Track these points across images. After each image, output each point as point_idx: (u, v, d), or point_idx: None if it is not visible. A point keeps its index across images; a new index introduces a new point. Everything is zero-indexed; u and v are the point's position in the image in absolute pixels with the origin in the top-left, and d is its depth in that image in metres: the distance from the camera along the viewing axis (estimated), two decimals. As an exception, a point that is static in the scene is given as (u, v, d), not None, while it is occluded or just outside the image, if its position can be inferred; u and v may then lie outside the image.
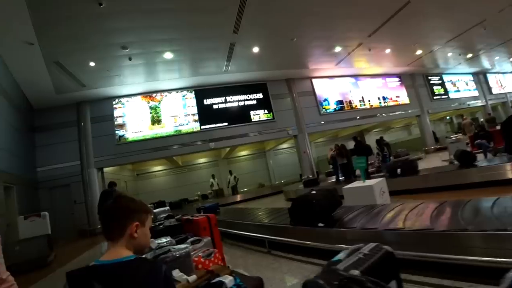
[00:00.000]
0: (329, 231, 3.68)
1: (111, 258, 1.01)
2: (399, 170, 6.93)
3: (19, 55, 8.49)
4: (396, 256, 1.74)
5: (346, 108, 14.96)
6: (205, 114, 12.93)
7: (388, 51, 13.61)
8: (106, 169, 12.59)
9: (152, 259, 1.53)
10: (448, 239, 2.59)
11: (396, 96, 16.21)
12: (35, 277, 5.69)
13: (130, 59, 10.17)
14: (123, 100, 12.60)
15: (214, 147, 12.69)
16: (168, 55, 10.45)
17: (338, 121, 14.62)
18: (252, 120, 13.38)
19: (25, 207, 9.66)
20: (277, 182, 17.40)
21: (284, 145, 17.92)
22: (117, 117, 12.43)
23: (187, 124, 12.68)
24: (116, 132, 12.30)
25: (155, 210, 8.04)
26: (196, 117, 12.81)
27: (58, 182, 11.78)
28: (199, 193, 14.95)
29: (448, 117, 22.20)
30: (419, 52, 14.42)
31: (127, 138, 12.29)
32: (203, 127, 12.78)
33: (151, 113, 12.58)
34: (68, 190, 11.86)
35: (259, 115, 13.52)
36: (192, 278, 2.51)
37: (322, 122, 14.38)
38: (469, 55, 16.20)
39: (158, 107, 12.69)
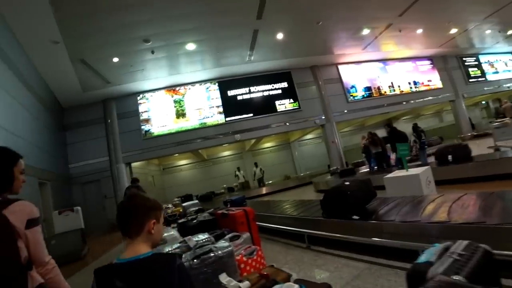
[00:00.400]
0: (366, 224, 3.38)
1: (131, 255, 1.03)
2: (450, 157, 6.18)
3: (47, 55, 8.51)
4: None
5: (374, 95, 14.06)
6: (230, 106, 12.53)
7: (419, 31, 12.55)
8: (133, 164, 12.54)
9: (166, 253, 1.48)
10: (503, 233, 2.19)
11: (428, 80, 15.06)
12: (71, 270, 5.57)
13: (152, 52, 9.90)
14: (147, 95, 12.42)
15: (240, 139, 12.31)
16: (191, 46, 10.08)
17: (367, 108, 13.77)
18: (278, 110, 12.84)
19: (59, 202, 9.77)
20: (302, 174, 16.82)
21: (309, 136, 17.26)
22: (142, 112, 12.29)
23: (211, 116, 12.35)
24: (142, 127, 12.17)
25: (183, 204, 7.74)
26: (221, 109, 12.44)
27: (89, 177, 11.85)
28: (225, 186, 14.69)
29: (483, 102, 20.55)
30: (453, 31, 13.22)
31: (153, 133, 12.13)
32: (228, 119, 12.40)
33: (175, 106, 12.34)
34: (98, 185, 11.92)
35: (284, 104, 12.95)
36: (245, 284, 2.07)
37: (350, 110, 13.59)
38: (510, 32, 14.71)
39: (182, 101, 12.42)
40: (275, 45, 11.17)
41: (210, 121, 12.30)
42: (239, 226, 3.48)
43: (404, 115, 17.83)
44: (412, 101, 14.55)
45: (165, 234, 3.47)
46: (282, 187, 13.35)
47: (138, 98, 12.38)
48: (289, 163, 17.57)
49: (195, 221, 4.16)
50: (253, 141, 14.53)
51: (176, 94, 12.46)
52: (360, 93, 13.92)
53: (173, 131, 12.12)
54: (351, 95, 13.76)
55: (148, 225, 1.09)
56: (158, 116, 12.24)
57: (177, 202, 11.48)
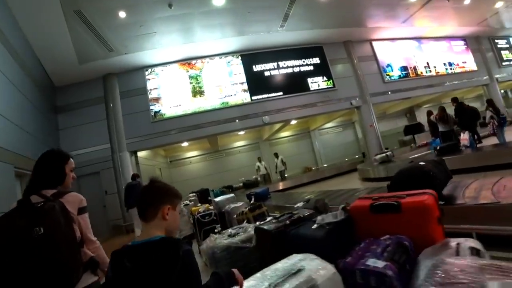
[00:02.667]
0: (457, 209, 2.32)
1: (143, 238, 1.01)
2: None
3: (35, 7, 5.95)
4: None
5: (411, 75, 11.85)
6: (256, 83, 9.95)
7: (467, 2, 10.42)
8: (139, 154, 9.74)
9: (175, 239, 1.03)
10: None
11: (463, 62, 13.02)
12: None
13: (170, 6, 7.25)
14: (157, 69, 9.68)
15: (269, 122, 9.74)
16: (219, 1, 7.50)
17: (404, 90, 11.52)
18: (311, 89, 10.37)
19: None
20: (325, 165, 14.41)
21: (330, 124, 14.90)
22: (151, 89, 9.53)
23: (235, 95, 9.73)
24: (151, 107, 9.41)
25: (217, 199, 5.53)
26: (245, 86, 9.85)
27: (86, 169, 8.97)
28: (243, 179, 12.10)
29: (502, 91, 18.76)
30: (499, 4, 11.20)
31: (164, 114, 9.39)
32: (254, 97, 9.81)
33: (191, 83, 9.65)
34: (97, 178, 9.06)
35: (317, 82, 10.50)
36: None
37: (386, 91, 11.29)
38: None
39: (200, 76, 9.74)
40: (313, 9, 8.74)
41: (233, 100, 9.67)
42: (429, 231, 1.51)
43: (426, 103, 15.76)
44: (447, 83, 12.41)
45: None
46: (311, 179, 10.87)
47: (146, 73, 9.62)
48: (309, 154, 15.07)
49: (315, 225, 1.95)
50: (277, 126, 11.94)
51: (192, 68, 9.77)
52: (396, 72, 11.67)
53: (189, 112, 9.40)
54: (387, 75, 11.49)
55: (163, 210, 1.05)
56: (171, 94, 9.50)
57: (193, 198, 8.88)
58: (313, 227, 1.97)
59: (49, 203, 1.23)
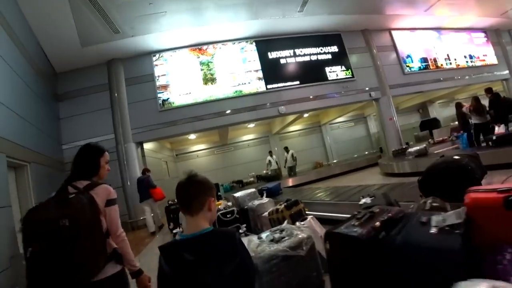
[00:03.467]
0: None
1: (194, 231, 1.00)
2: None
3: None
4: None
5: (431, 67, 11.00)
6: (271, 71, 9.07)
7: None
8: (145, 147, 8.86)
9: (226, 228, 1.41)
10: None
11: (484, 55, 12.18)
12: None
13: (182, -20, 6.38)
14: (166, 55, 8.77)
15: (285, 112, 8.87)
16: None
17: (423, 82, 10.68)
18: (329, 79, 9.50)
19: (46, 195, 6.07)
20: (335, 161, 13.59)
21: (342, 119, 14.05)
22: (158, 76, 8.63)
23: (249, 83, 8.84)
24: (159, 95, 8.52)
25: (237, 195, 4.90)
26: (260, 74, 8.97)
27: None
28: (253, 173, 11.27)
29: None
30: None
31: (173, 103, 8.51)
32: (269, 86, 8.93)
33: (202, 69, 8.75)
34: (100, 171, 8.20)
35: (336, 72, 9.63)
36: None
37: (406, 83, 10.43)
38: None
39: (211, 62, 8.84)
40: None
41: (247, 89, 8.79)
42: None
43: (440, 98, 14.95)
44: (467, 77, 11.57)
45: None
46: (324, 175, 10.04)
47: (154, 58, 8.72)
48: (320, 149, 14.22)
49: (433, 230, 1.27)
50: (290, 118, 11.07)
51: (203, 54, 8.87)
52: (416, 64, 10.82)
53: (199, 100, 8.51)
54: (407, 66, 10.63)
55: (208, 203, 1.06)
56: (180, 81, 8.61)
57: None
58: (431, 231, 1.27)
59: (77, 196, 1.29)
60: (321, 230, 2.75)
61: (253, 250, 2.51)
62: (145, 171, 6.91)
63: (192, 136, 12.37)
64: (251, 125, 12.66)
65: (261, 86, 8.86)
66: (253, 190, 5.30)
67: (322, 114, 13.25)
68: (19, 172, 5.42)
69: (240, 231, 3.84)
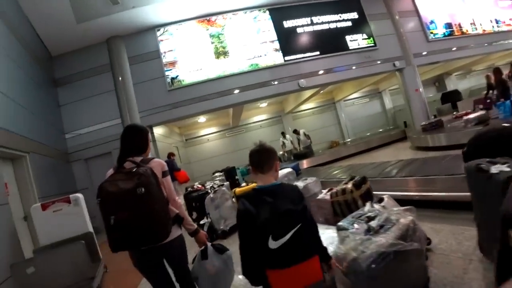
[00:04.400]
0: None
1: (267, 183, 1.21)
2: None
3: None
4: None
5: (456, 33, 9.91)
6: (288, 41, 8.02)
7: None
8: (155, 132, 7.94)
9: (289, 183, 1.64)
10: None
11: (510, 19, 11.02)
12: None
13: None
14: (171, 28, 7.70)
15: (306, 86, 7.88)
16: None
17: (449, 50, 9.62)
18: (350, 48, 8.46)
19: (51, 188, 5.52)
20: (353, 138, 12.70)
21: (356, 95, 13.06)
22: (165, 52, 7.60)
23: (265, 55, 7.81)
24: (166, 73, 7.52)
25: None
26: (276, 45, 7.92)
27: (94, 150, 7.35)
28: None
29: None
30: None
31: (183, 81, 7.52)
32: (287, 58, 7.92)
33: (212, 42, 7.70)
34: (109, 160, 7.30)
35: (357, 41, 8.57)
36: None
37: (431, 52, 9.37)
38: None
39: (222, 34, 7.78)
40: None
41: (263, 62, 7.78)
42: None
43: (456, 70, 13.89)
44: (494, 43, 10.49)
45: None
46: (347, 153, 9.17)
47: (158, 33, 7.66)
48: (335, 127, 13.30)
49: None
50: (307, 94, 10.07)
51: (213, 25, 7.79)
52: (440, 30, 9.73)
53: (212, 76, 7.52)
54: (431, 32, 9.55)
55: (276, 164, 1.27)
56: (189, 56, 7.58)
57: (219, 178, 7.27)
58: None
59: (143, 168, 1.37)
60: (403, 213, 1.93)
61: (352, 249, 1.70)
62: (170, 155, 6.88)
63: (202, 119, 11.45)
64: (264, 104, 11.71)
65: (278, 58, 7.83)
66: (289, 169, 4.45)
67: (337, 90, 12.25)
68: (17, 164, 4.60)
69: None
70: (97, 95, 7.45)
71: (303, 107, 12.62)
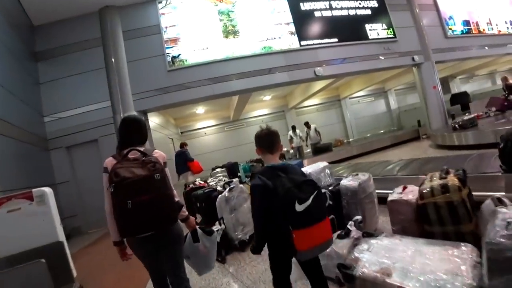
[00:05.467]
0: None
1: (276, 162, 1.35)
2: None
3: None
4: None
5: (473, 32, 9.27)
6: (305, 25, 7.07)
7: None
8: (150, 121, 6.79)
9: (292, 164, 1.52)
10: None
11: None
12: None
13: None
14: (175, 1, 6.59)
15: (322, 74, 6.93)
16: None
17: (468, 48, 8.96)
18: (370, 38, 7.60)
19: (24, 180, 4.33)
20: (354, 138, 11.91)
21: (361, 93, 12.29)
22: (166, 27, 6.47)
23: (279, 38, 6.81)
24: (167, 51, 6.40)
25: (309, 169, 3.25)
26: (292, 28, 6.94)
27: (78, 137, 6.14)
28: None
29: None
30: None
31: (185, 60, 6.41)
32: (303, 43, 6.96)
33: (221, 20, 6.63)
34: (94, 149, 6.14)
35: (376, 30, 7.73)
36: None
37: (448, 48, 8.67)
38: None
39: (232, 12, 6.72)
40: None
41: (278, 45, 6.79)
42: None
43: (462, 73, 13.39)
44: (510, 45, 9.92)
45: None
46: (359, 150, 8.31)
47: (160, 5, 6.53)
48: (339, 125, 12.46)
49: None
50: (316, 87, 9.16)
51: (222, 1, 6.73)
52: (459, 27, 9.06)
53: (219, 58, 6.46)
54: (450, 29, 8.86)
55: (281, 146, 1.43)
56: (194, 34, 6.48)
57: (221, 174, 6.26)
58: None
59: (152, 157, 1.44)
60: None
61: None
62: (183, 145, 6.69)
63: (201, 110, 10.32)
64: (267, 97, 10.73)
65: (294, 42, 6.86)
66: (324, 163, 3.47)
67: (344, 86, 11.42)
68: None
69: (353, 234, 2.11)
70: (84, 73, 6.25)
71: (307, 102, 11.72)
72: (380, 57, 7.56)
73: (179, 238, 1.55)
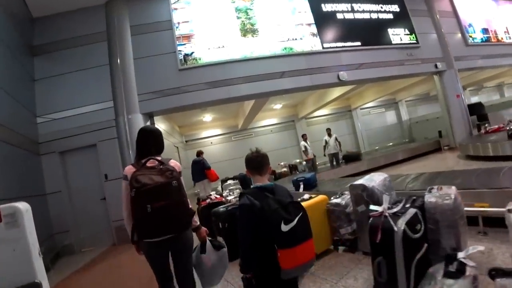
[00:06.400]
0: None
1: (265, 183, 1.37)
2: None
3: None
4: None
5: (492, 40, 8.92)
6: (327, 27, 6.52)
7: None
8: (157, 125, 6.03)
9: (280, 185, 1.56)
10: None
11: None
12: None
13: None
14: (188, -4, 6.01)
15: (346, 80, 6.32)
16: None
17: (488, 56, 8.56)
18: (392, 43, 7.11)
19: (7, 190, 3.45)
20: (365, 150, 11.28)
21: (372, 104, 11.78)
22: (178, 23, 5.84)
23: (301, 39, 6.23)
24: (179, 48, 5.73)
25: (367, 183, 2.54)
26: (314, 29, 6.38)
27: (74, 141, 5.31)
28: (283, 163, 8.70)
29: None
30: None
31: (199, 59, 5.74)
32: (325, 45, 6.39)
33: (239, 17, 6.04)
34: (92, 155, 5.32)
35: (399, 35, 7.25)
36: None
37: (469, 56, 8.24)
38: None
39: (251, 10, 6.13)
40: None
41: (299, 47, 6.20)
42: None
43: (471, 85, 13.07)
44: (525, 56, 9.60)
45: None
46: (378, 163, 7.65)
47: (172, 0, 5.93)
48: (350, 136, 11.84)
49: None
50: (333, 95, 8.56)
51: (240, -2, 6.18)
52: (478, 35, 8.69)
53: (237, 57, 5.81)
54: (470, 36, 8.48)
55: (269, 169, 1.45)
56: (209, 31, 5.86)
57: (233, 187, 5.54)
58: None
59: (169, 166, 1.54)
60: None
61: None
62: (199, 153, 6.61)
63: (208, 118, 9.61)
64: (278, 106, 10.10)
65: (316, 44, 6.28)
66: (384, 175, 2.76)
67: (355, 96, 10.89)
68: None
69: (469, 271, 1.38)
70: (85, 70, 5.51)
71: (317, 113, 11.12)
72: (405, 63, 7.04)
73: (190, 245, 1.63)
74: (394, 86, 9.73)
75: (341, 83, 6.39)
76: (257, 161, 1.40)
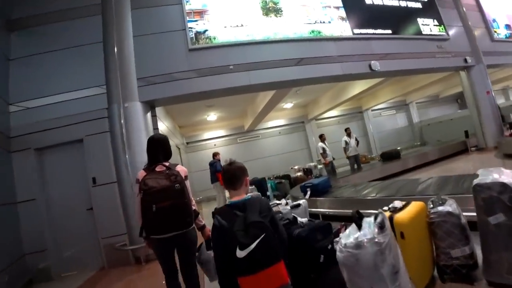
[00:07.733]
0: None
1: (239, 199, 1.29)
2: None
3: None
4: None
5: (515, 37, 8.43)
6: (356, 11, 5.70)
7: None
8: (160, 125, 4.94)
9: (257, 196, 1.53)
10: None
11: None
12: None
13: None
14: (200, -33, 5.05)
15: (378, 70, 5.47)
16: None
17: (510, 53, 8.03)
18: (423, 33, 6.39)
19: None
20: (378, 153, 10.51)
21: (383, 105, 11.09)
22: (189, -3, 4.87)
23: (329, 22, 5.37)
24: (189, 25, 4.73)
25: None
26: (342, 13, 5.54)
27: (55, 135, 4.10)
28: (298, 167, 7.74)
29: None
30: None
31: (214, 38, 4.74)
32: (356, 31, 5.56)
33: (260, -5, 5.16)
34: (77, 153, 4.16)
35: (429, 26, 6.55)
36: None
37: (496, 52, 7.65)
38: None
39: (272, -14, 5.29)
40: None
41: (327, 30, 5.33)
42: None
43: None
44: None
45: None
46: (401, 167, 6.81)
47: (180, -30, 4.97)
48: (361, 139, 10.96)
49: None
50: (355, 90, 7.73)
51: (259, -27, 5.29)
52: (502, 31, 8.17)
53: (258, 38, 4.85)
54: (495, 32, 7.94)
55: (245, 180, 1.36)
56: (226, 7, 4.92)
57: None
58: None
59: (174, 170, 1.73)
60: None
61: None
62: (214, 155, 6.46)
63: (212, 117, 8.57)
64: (288, 105, 9.19)
65: (345, 29, 5.44)
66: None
67: (368, 96, 10.14)
68: None
69: None
70: (73, 48, 4.42)
71: (327, 114, 10.27)
72: (436, 55, 6.33)
73: (193, 242, 1.80)
74: (411, 85, 9.07)
75: (372, 73, 5.53)
76: (229, 174, 1.34)
